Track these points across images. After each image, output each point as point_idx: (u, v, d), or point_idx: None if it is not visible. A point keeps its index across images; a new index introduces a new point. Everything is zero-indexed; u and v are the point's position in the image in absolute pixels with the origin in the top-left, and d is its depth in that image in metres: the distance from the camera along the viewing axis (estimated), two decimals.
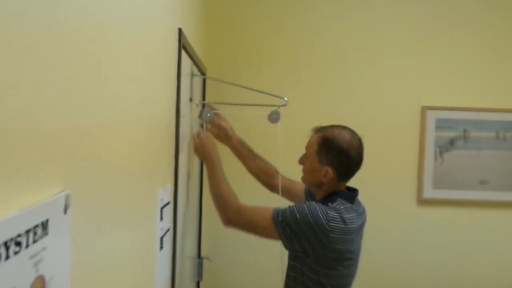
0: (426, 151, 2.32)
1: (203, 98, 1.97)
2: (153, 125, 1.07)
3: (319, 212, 1.27)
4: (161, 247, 1.20)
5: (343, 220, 1.29)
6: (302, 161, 1.45)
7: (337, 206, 1.31)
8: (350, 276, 1.41)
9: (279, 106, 1.78)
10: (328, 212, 1.28)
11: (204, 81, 2.01)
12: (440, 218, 2.33)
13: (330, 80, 2.30)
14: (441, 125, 2.32)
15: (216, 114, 1.73)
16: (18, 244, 0.40)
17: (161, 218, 1.19)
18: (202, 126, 1.76)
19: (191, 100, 1.74)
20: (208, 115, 1.76)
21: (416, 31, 2.29)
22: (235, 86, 1.81)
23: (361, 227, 1.43)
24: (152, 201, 1.09)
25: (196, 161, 2.02)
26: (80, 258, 0.59)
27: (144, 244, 1.01)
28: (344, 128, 1.40)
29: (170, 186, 1.31)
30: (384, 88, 2.31)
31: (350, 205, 1.37)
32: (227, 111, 1.81)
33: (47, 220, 0.47)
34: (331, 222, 1.27)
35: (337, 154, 1.34)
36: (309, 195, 1.62)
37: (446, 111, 2.31)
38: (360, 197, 2.33)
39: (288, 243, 1.32)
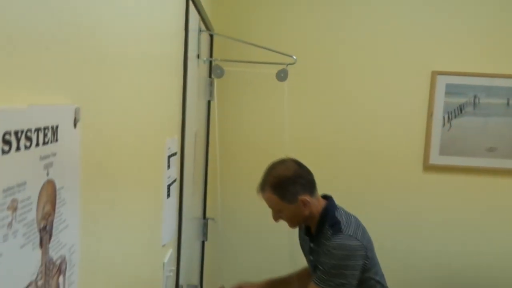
0: (434, 116, 2.29)
1: (211, 55, 1.94)
2: (160, 78, 1.06)
3: (350, 255, 1.37)
4: (168, 195, 1.20)
5: (360, 241, 1.39)
6: (277, 217, 1.48)
7: (346, 230, 1.40)
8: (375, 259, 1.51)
9: (287, 64, 1.76)
10: (343, 244, 1.37)
11: (211, 38, 1.98)
12: (446, 185, 2.32)
13: (340, 42, 2.25)
14: (451, 90, 2.28)
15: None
16: (28, 139, 0.40)
17: (168, 167, 1.19)
18: None
19: (198, 56, 1.72)
20: (218, 71, 1.74)
21: None
22: (243, 44, 1.79)
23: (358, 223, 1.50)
24: (160, 146, 1.09)
25: (201, 129, 2.01)
26: (89, 179, 0.59)
27: (152, 186, 1.02)
28: (272, 167, 1.47)
29: (177, 137, 1.31)
30: (394, 52, 2.26)
31: (342, 211, 1.49)
32: (235, 68, 1.79)
33: (57, 126, 0.47)
34: (358, 251, 1.38)
35: (293, 183, 1.42)
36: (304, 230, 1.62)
37: (456, 76, 2.27)
38: (367, 159, 2.35)
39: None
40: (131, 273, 0.88)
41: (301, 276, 1.73)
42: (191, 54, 1.52)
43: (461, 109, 2.29)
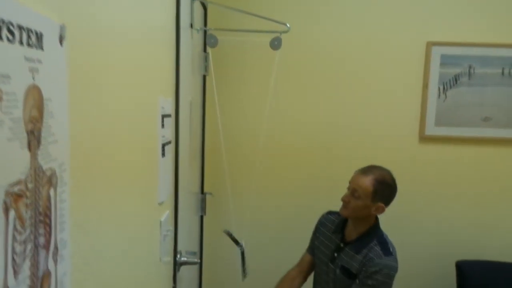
0: (429, 87, 2.30)
1: (205, 25, 1.95)
2: (153, 46, 1.07)
3: (393, 276, 1.55)
4: (163, 154, 1.22)
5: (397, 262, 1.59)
6: (349, 199, 1.59)
7: (393, 252, 1.58)
8: None
9: (281, 33, 1.76)
10: (395, 268, 1.56)
11: (205, 7, 1.98)
12: (442, 155, 2.33)
13: (333, 12, 2.25)
14: (446, 61, 2.28)
15: None
16: (11, 33, 0.41)
17: (163, 126, 1.21)
18: None
19: (192, 26, 1.72)
20: (212, 41, 1.75)
21: None
22: (237, 13, 1.79)
23: None
24: (153, 103, 1.11)
25: (197, 103, 2.02)
26: (78, 102, 0.60)
27: (144, 135, 1.03)
28: (381, 167, 1.63)
29: (171, 99, 1.32)
30: (389, 22, 2.26)
31: (385, 234, 1.66)
32: (229, 37, 1.79)
33: (41, 35, 0.48)
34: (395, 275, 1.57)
35: (389, 193, 1.60)
36: (326, 225, 1.76)
37: (451, 46, 2.27)
38: (363, 132, 2.36)
39: None
40: (126, 220, 0.90)
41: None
42: (184, 23, 1.52)
43: (456, 79, 2.30)
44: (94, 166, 0.69)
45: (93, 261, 0.70)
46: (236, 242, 1.78)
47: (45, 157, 0.51)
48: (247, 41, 1.93)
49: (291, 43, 2.14)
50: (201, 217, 2.30)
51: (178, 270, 1.52)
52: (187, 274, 1.85)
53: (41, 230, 0.51)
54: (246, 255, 1.79)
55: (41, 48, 0.48)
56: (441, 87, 2.30)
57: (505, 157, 2.32)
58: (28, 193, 0.47)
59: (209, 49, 2.08)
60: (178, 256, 1.51)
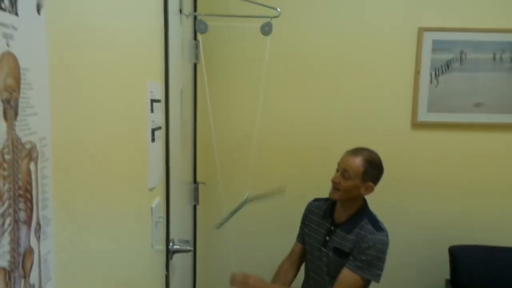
0: (421, 73, 2.29)
1: (194, 10, 1.92)
2: (141, 30, 1.05)
3: (386, 251, 1.58)
4: (153, 139, 1.20)
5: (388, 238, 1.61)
6: (339, 179, 1.61)
7: (382, 227, 1.62)
8: None
9: (271, 18, 1.74)
10: (386, 241, 1.58)
11: None
12: (434, 142, 2.34)
13: None
14: (437, 47, 2.28)
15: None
16: None
17: (152, 110, 1.19)
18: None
19: (181, 12, 1.70)
20: (202, 27, 1.73)
21: None
22: None
23: None
24: (140, 85, 1.09)
25: (188, 93, 2.00)
26: (59, 82, 0.58)
27: (132, 118, 1.01)
28: (367, 148, 1.66)
29: (160, 84, 1.30)
30: (380, 8, 2.25)
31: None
32: (219, 23, 1.77)
33: None
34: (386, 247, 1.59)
35: (377, 173, 1.64)
36: (313, 211, 1.80)
37: (443, 32, 2.26)
38: (355, 120, 2.35)
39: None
40: (115, 202, 0.89)
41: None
42: (173, 8, 1.50)
43: (448, 65, 2.30)
44: (79, 144, 0.67)
45: (79, 242, 0.69)
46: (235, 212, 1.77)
47: (23, 129, 0.49)
48: (237, 27, 1.91)
49: (282, 29, 2.11)
50: (194, 207, 2.29)
51: (171, 258, 1.51)
52: (181, 263, 1.84)
53: (21, 205, 0.49)
54: (240, 209, 1.78)
55: (15, 13, 0.46)
56: (433, 73, 2.30)
57: (497, 142, 2.33)
58: (5, 165, 0.46)
59: (199, 37, 2.05)
60: (171, 244, 1.49)
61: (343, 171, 1.59)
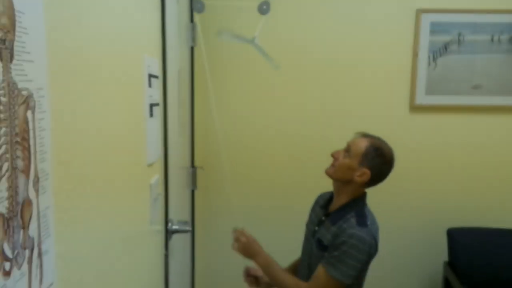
0: (419, 56, 2.28)
1: None
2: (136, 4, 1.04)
3: (362, 244, 1.37)
4: (151, 115, 1.19)
5: (376, 245, 1.42)
6: (339, 156, 1.50)
7: (370, 227, 1.43)
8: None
9: None
10: (367, 241, 1.38)
11: None
12: (433, 124, 2.33)
13: None
14: (435, 29, 2.26)
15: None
16: None
17: (150, 85, 1.17)
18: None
19: None
20: (199, 5, 1.70)
21: None
22: None
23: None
24: (138, 59, 1.07)
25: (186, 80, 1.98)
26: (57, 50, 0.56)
27: (130, 89, 1.00)
28: (386, 143, 1.51)
29: (158, 60, 1.29)
30: None
31: (370, 211, 1.51)
32: (215, 2, 1.75)
33: None
34: (371, 252, 1.40)
35: (381, 163, 1.46)
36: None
37: (441, 13, 2.25)
38: (353, 104, 2.34)
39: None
40: (113, 174, 0.87)
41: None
42: None
43: (446, 47, 2.29)
44: (78, 104, 0.66)
45: (78, 202, 0.67)
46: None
47: (19, 74, 0.47)
48: (234, 5, 1.89)
49: (280, 11, 2.09)
50: (192, 192, 2.28)
51: (170, 238, 1.50)
52: (180, 246, 1.83)
53: (19, 153, 0.48)
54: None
55: None
56: (431, 55, 2.28)
57: (495, 124, 2.33)
58: (1, 107, 0.44)
59: (196, 18, 2.03)
60: (170, 224, 1.49)
61: (346, 147, 1.51)
